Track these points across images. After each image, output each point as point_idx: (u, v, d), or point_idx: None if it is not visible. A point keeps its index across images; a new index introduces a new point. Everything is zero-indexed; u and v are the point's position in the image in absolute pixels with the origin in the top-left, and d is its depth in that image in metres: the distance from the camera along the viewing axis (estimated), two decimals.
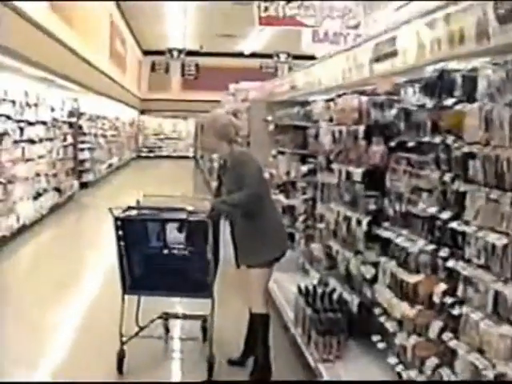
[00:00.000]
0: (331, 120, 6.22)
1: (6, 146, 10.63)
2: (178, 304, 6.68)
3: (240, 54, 29.75)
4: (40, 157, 13.23)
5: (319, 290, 5.76)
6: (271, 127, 8.76)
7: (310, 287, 5.90)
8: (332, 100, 6.35)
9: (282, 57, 26.14)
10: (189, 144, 37.43)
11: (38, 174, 12.92)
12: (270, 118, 8.82)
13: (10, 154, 10.86)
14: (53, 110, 14.53)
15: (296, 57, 27.28)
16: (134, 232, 5.34)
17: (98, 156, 21.90)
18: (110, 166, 25.25)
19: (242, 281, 5.37)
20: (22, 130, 11.71)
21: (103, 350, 5.69)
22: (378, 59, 4.43)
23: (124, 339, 5.30)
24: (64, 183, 15.67)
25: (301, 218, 7.55)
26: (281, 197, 8.14)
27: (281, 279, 7.39)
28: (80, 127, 18.98)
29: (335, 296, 5.62)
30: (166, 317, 6.03)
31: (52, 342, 6.36)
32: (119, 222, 5.27)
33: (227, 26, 24.53)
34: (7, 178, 10.58)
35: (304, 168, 7.49)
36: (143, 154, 37.89)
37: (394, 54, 4.07)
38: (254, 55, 29.04)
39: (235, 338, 5.75)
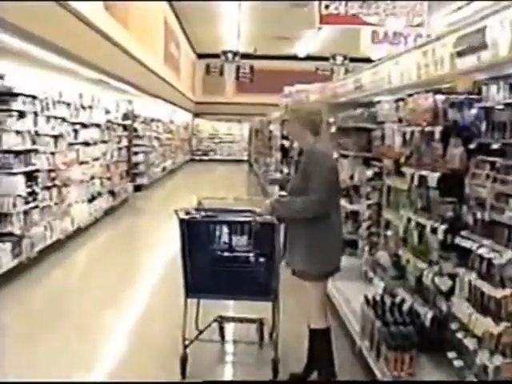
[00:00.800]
0: (400, 121, 5.85)
1: (61, 149, 10.48)
2: (232, 307, 6.63)
3: (294, 57, 29.44)
4: (95, 159, 13.10)
5: (387, 301, 5.41)
6: (333, 129, 8.40)
7: (378, 297, 5.54)
8: (402, 100, 5.99)
9: (339, 59, 25.63)
10: (243, 147, 37.22)
11: (92, 177, 12.78)
12: (331, 119, 8.45)
13: (65, 156, 10.72)
14: (107, 112, 14.40)
15: (352, 59, 26.84)
16: (198, 234, 5.14)
17: (152, 159, 21.81)
18: (164, 169, 25.16)
19: (302, 290, 4.96)
20: (76, 132, 11.57)
21: (162, 353, 5.73)
22: (461, 53, 4.03)
23: (186, 343, 5.22)
24: (118, 186, 15.55)
25: (365, 225, 7.18)
26: (344, 201, 7.77)
27: (343, 288, 7.08)
28: (135, 130, 18.88)
29: (405, 308, 5.25)
30: (221, 320, 5.93)
31: (107, 345, 6.24)
32: (184, 224, 5.16)
33: (281, 28, 24.21)
34: (62, 180, 10.44)
35: (369, 172, 7.12)
36: (197, 158, 37.80)
37: (482, 46, 3.68)
38: (309, 58, 28.69)
39: (294, 342, 5.69)
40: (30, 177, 9.02)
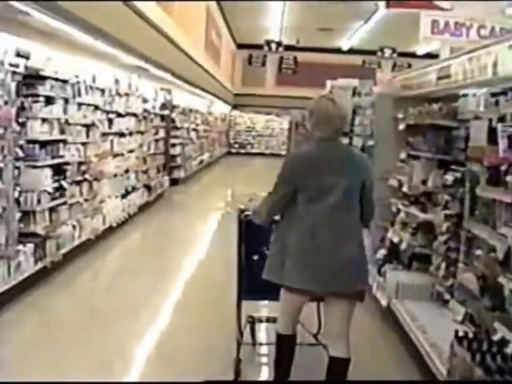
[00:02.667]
0: (502, 119, 4.78)
1: (94, 139, 9.54)
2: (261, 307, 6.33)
3: (339, 50, 28.41)
4: (130, 151, 12.18)
5: (482, 339, 4.37)
6: (401, 126, 7.32)
7: (470, 334, 4.50)
8: (502, 94, 4.94)
9: (387, 52, 24.57)
10: (281, 142, 36.18)
11: (127, 170, 11.85)
12: (400, 115, 7.38)
13: (98, 147, 9.78)
14: (145, 101, 13.44)
15: (400, 54, 25.85)
16: (256, 234, 4.85)
17: (189, 151, 20.90)
18: (201, 162, 24.28)
19: None
20: (111, 121, 10.63)
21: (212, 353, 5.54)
22: None
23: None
24: (154, 180, 14.62)
25: (442, 238, 6.11)
26: (414, 210, 6.70)
27: (412, 309, 6.13)
28: (172, 120, 17.96)
29: (509, 350, 4.20)
30: (253, 320, 5.74)
31: (139, 353, 5.78)
32: (244, 225, 5.06)
33: (326, 19, 23.22)
34: (94, 174, 9.50)
35: (448, 177, 6.05)
36: (234, 151, 36.94)
37: None
38: (354, 51, 27.67)
39: None
40: (58, 170, 8.08)
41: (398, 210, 7.29)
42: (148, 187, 13.82)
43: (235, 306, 5.16)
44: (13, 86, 6.36)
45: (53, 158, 7.85)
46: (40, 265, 7.31)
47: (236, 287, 5.14)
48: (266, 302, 6.02)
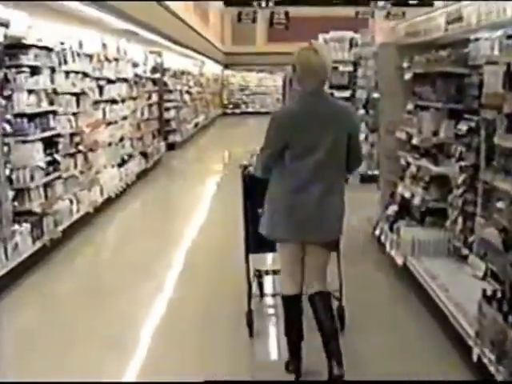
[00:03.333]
0: None
1: (85, 108, 9.16)
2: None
3: (331, 2, 27.72)
4: (123, 118, 11.79)
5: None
6: (407, 76, 6.96)
7: (499, 294, 4.22)
8: None
9: (381, 2, 24.02)
10: (276, 99, 35.64)
11: (121, 139, 11.48)
12: (405, 64, 7.01)
13: (90, 117, 9.41)
14: (135, 65, 13.01)
15: (394, 4, 25.27)
16: (260, 188, 4.58)
17: (184, 115, 20.49)
18: (196, 125, 23.86)
19: None
20: (101, 88, 10.24)
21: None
22: None
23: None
24: (150, 147, 14.26)
25: (458, 192, 5.80)
26: (425, 162, 6.36)
27: (430, 266, 5.88)
28: (165, 84, 17.52)
29: None
30: (259, 274, 5.82)
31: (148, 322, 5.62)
32: (247, 180, 5.12)
33: None
34: (88, 145, 9.15)
35: (462, 127, 5.72)
36: (229, 111, 36.44)
37: None
38: (347, 2, 27.01)
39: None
40: (50, 143, 7.73)
41: (408, 164, 6.97)
42: (144, 154, 13.46)
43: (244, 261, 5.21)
44: None
45: (43, 130, 7.49)
46: (38, 244, 7.00)
47: (243, 242, 5.19)
48: (271, 255, 5.96)
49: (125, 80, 12.10)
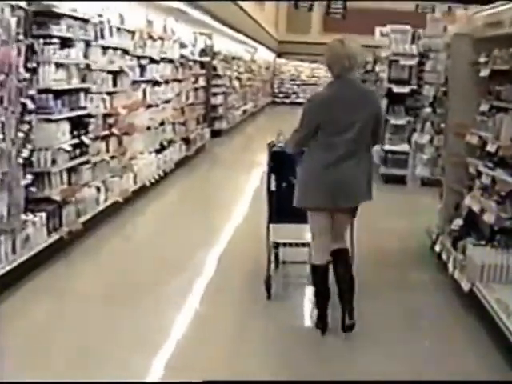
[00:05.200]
0: None
1: (122, 88, 8.42)
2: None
3: None
4: (166, 101, 11.04)
5: None
6: (484, 72, 6.04)
7: None
8: None
9: None
10: None
11: (162, 123, 10.73)
12: (482, 59, 6.10)
13: (127, 97, 8.67)
14: (182, 46, 12.22)
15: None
16: (285, 165, 5.41)
17: (232, 101, 19.72)
18: (245, 112, 23.11)
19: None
20: (143, 68, 9.49)
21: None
22: None
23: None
24: (194, 133, 13.50)
25: None
26: (502, 173, 5.46)
27: (504, 297, 4.96)
28: (214, 68, 16.74)
29: None
30: (277, 245, 6.17)
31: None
32: (275, 156, 5.56)
33: None
34: (122, 128, 8.41)
35: None
36: (278, 100, 35.63)
37: None
38: None
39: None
40: (78, 124, 7.00)
41: (479, 173, 6.04)
42: (186, 140, 12.72)
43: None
44: (13, 22, 5.20)
45: (71, 109, 6.76)
46: (55, 236, 6.26)
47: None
48: (290, 230, 5.97)
49: (170, 61, 11.35)
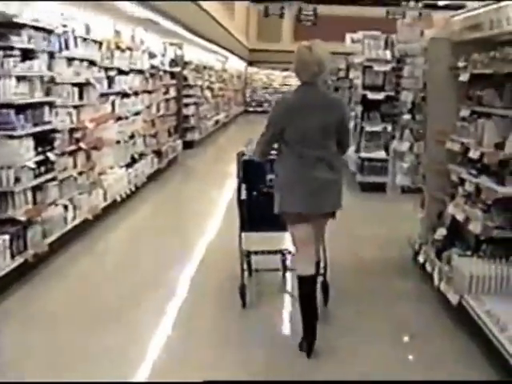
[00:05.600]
0: None
1: (89, 101, 8.11)
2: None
3: (361, 1, 26.70)
4: (136, 113, 10.74)
5: None
6: (464, 77, 5.82)
7: None
8: None
9: (412, 3, 22.88)
10: None
11: (132, 136, 10.43)
12: (461, 63, 5.88)
13: (95, 111, 8.36)
14: (152, 56, 11.93)
15: (426, 6, 24.12)
16: (255, 173, 5.48)
17: (204, 111, 19.44)
18: (217, 122, 22.85)
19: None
20: (111, 79, 9.18)
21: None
22: None
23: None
24: (165, 145, 13.19)
25: None
26: (487, 181, 5.24)
27: (495, 310, 4.73)
28: (185, 78, 16.47)
29: None
30: (249, 254, 6.13)
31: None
32: (244, 164, 5.60)
33: None
34: (91, 142, 8.09)
35: None
36: (251, 109, 35.40)
37: None
38: (376, 2, 25.93)
39: None
40: (43, 140, 6.68)
41: (462, 180, 5.83)
42: (158, 153, 12.41)
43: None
44: None
45: (35, 125, 6.44)
46: (19, 259, 5.93)
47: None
48: (263, 238, 5.99)
49: (139, 72, 11.06)
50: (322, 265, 5.47)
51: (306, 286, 4.73)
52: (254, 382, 4.37)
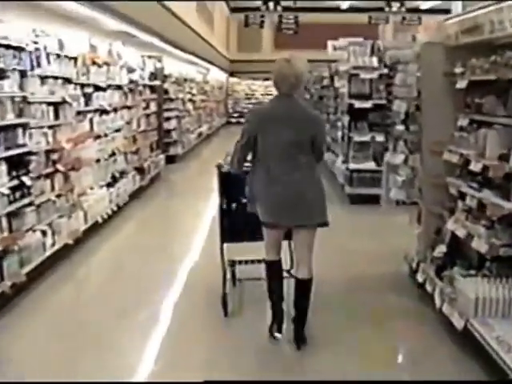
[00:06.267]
0: None
1: (65, 120, 7.73)
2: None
3: (340, 9, 26.51)
4: (116, 130, 10.36)
5: None
6: (461, 84, 5.52)
7: None
8: None
9: (395, 6, 22.67)
10: None
11: (112, 153, 10.05)
12: (458, 69, 5.57)
13: (72, 130, 7.98)
14: (130, 70, 11.57)
15: (409, 10, 24.05)
16: (234, 186, 5.48)
17: (186, 125, 19.08)
18: (200, 135, 22.49)
19: None
20: (88, 97, 8.81)
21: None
22: None
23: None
24: (147, 161, 12.81)
25: None
26: (490, 195, 4.92)
27: (505, 336, 4.44)
28: (165, 92, 16.11)
29: None
30: (233, 263, 6.30)
31: None
32: (224, 177, 5.64)
33: None
34: (69, 163, 7.71)
35: None
36: (233, 120, 35.02)
37: None
38: (358, 9, 25.77)
39: None
40: (18, 163, 6.32)
41: (461, 194, 5.51)
42: (140, 170, 12.03)
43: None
44: None
45: (8, 148, 6.07)
46: None
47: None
48: (244, 248, 5.93)
49: (118, 87, 10.69)
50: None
51: (272, 268, 5.15)
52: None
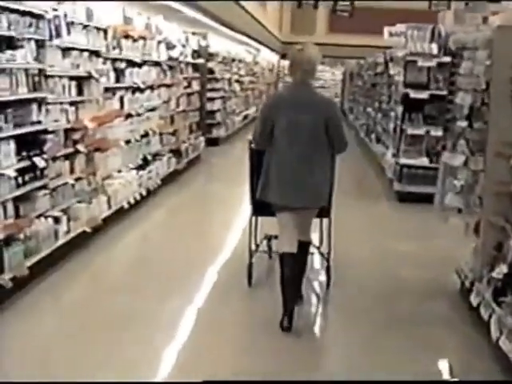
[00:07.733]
0: None
1: (91, 97, 7.10)
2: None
3: None
4: (150, 110, 9.72)
5: None
6: None
7: None
8: None
9: None
10: (335, 94, 33.31)
11: (145, 135, 9.40)
12: None
13: (99, 108, 7.35)
14: (171, 47, 10.86)
15: None
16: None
17: (232, 106, 18.42)
18: (246, 117, 21.79)
19: None
20: (120, 72, 8.15)
21: None
22: None
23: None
24: (186, 143, 12.16)
25: None
26: None
27: None
28: (210, 71, 15.43)
29: None
30: (269, 237, 6.50)
31: None
32: (255, 153, 5.63)
33: None
34: (92, 144, 7.09)
35: None
36: None
37: None
38: None
39: None
40: (29, 143, 5.70)
41: None
42: (177, 152, 11.38)
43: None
44: None
45: (17, 125, 5.45)
46: None
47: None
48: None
49: (156, 64, 10.03)
50: (326, 250, 5.96)
51: (286, 262, 5.04)
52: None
